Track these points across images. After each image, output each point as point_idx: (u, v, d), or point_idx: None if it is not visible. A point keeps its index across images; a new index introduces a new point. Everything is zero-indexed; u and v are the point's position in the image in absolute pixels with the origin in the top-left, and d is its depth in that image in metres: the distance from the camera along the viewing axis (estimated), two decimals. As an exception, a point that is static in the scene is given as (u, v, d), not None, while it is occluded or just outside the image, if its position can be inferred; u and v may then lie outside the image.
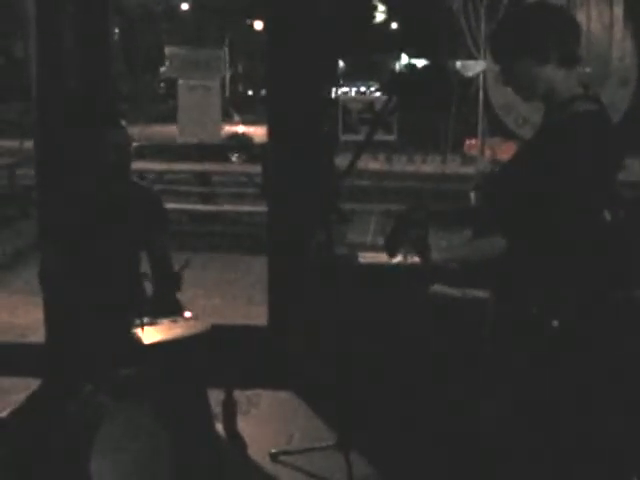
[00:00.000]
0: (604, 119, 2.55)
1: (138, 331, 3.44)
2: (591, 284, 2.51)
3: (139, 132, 11.35)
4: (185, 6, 29.76)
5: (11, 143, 15.92)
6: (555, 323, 2.45)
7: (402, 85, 3.55)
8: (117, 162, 3.78)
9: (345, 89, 28.21)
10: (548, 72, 2.54)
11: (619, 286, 2.58)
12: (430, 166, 17.56)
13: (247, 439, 4.08)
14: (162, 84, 23.35)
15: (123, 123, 3.88)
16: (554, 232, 2.44)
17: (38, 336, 4.93)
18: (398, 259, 2.65)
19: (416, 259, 2.56)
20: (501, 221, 2.53)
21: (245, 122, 18.76)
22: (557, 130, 2.48)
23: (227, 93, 21.27)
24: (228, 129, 15.58)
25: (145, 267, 3.95)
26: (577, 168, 2.40)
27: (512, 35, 2.57)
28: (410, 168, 17.44)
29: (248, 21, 28.24)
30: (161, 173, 11.58)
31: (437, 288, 4.07)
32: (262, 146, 11.09)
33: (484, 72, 6.74)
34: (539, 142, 2.57)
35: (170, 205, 5.24)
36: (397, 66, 30.42)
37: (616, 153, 2.56)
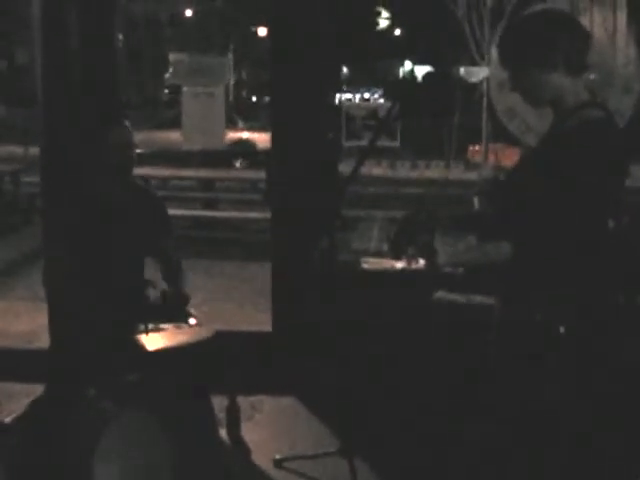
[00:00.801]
0: (612, 126, 2.55)
1: (142, 337, 3.44)
2: (594, 289, 2.51)
3: (143, 138, 11.37)
4: (189, 13, 29.85)
5: (15, 149, 15.97)
6: (562, 329, 2.44)
7: (402, 90, 3.56)
8: (120, 162, 3.78)
9: (349, 96, 28.24)
10: (555, 79, 2.53)
11: (621, 290, 2.58)
12: (433, 172, 17.58)
13: (251, 445, 4.08)
14: (166, 90, 23.39)
15: (126, 123, 3.88)
16: (561, 237, 2.44)
17: (42, 342, 4.92)
18: (402, 263, 2.66)
19: (421, 263, 2.57)
20: (507, 226, 2.53)
21: (249, 128, 18.82)
22: (566, 137, 2.48)
23: (231, 99, 21.32)
24: (232, 135, 15.62)
25: (149, 274, 3.96)
26: (587, 175, 2.39)
27: (520, 42, 2.57)
28: (413, 174, 17.46)
29: (252, 28, 28.29)
30: (165, 179, 11.61)
31: (441, 294, 4.06)
32: (266, 152, 11.11)
33: (487, 78, 6.73)
34: (547, 148, 2.56)
35: (174, 211, 5.24)
36: (401, 72, 30.46)
37: (623, 160, 2.56)
